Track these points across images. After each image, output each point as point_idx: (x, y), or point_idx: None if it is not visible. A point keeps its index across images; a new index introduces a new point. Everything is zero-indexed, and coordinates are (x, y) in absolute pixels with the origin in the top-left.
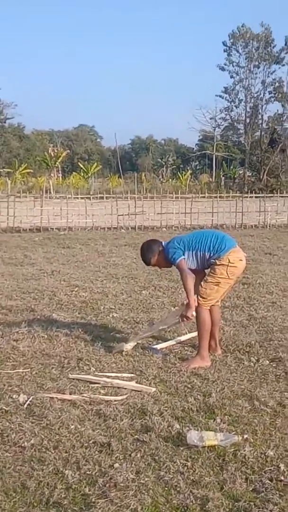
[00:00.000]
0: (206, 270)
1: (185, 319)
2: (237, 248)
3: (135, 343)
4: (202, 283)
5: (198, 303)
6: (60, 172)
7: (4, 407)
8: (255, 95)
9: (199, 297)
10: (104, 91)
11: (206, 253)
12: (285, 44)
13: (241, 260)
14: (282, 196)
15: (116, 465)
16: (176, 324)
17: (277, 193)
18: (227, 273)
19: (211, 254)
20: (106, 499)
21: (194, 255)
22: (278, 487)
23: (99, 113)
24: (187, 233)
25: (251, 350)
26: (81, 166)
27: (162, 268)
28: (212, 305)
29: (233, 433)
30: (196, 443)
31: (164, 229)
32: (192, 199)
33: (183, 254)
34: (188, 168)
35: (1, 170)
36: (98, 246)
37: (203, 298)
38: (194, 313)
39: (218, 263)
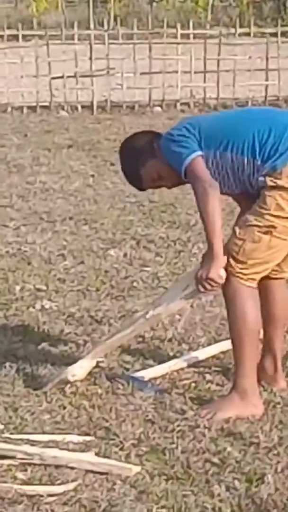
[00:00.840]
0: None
1: (205, 287)
2: None
3: (93, 363)
4: (236, 228)
5: (227, 270)
6: None
7: None
8: None
9: (230, 259)
10: None
11: (246, 160)
12: None
13: None
14: None
15: None
16: (189, 299)
17: None
18: None
19: (258, 163)
20: None
21: (221, 162)
22: None
23: None
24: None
25: None
26: None
27: (165, 187)
28: (272, 278)
29: None
30: None
31: (158, 108)
32: (221, 42)
33: (200, 151)
34: None
35: None
36: (7, 150)
37: (239, 261)
38: (223, 273)
39: (271, 183)
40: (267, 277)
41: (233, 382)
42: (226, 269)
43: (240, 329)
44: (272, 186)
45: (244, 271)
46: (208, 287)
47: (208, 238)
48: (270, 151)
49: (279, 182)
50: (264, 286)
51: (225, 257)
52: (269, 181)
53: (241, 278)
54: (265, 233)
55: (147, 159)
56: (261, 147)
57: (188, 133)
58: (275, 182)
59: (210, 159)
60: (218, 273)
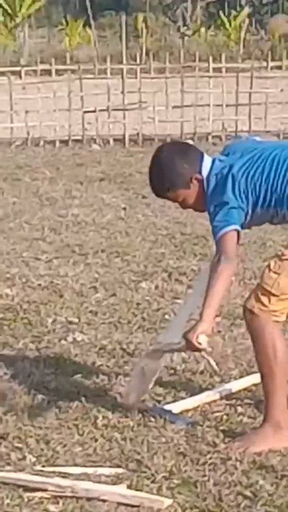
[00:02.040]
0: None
1: (187, 346)
2: None
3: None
4: (271, 262)
5: (257, 304)
6: None
7: None
8: None
9: (259, 294)
10: None
11: (285, 211)
12: None
13: None
14: None
15: None
16: (173, 351)
17: None
18: None
19: None
20: None
21: (267, 211)
22: None
23: None
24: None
25: None
26: (1, 3)
27: (185, 208)
28: None
29: None
30: None
31: (190, 141)
32: (253, 75)
33: (240, 215)
34: (244, 2)
35: None
36: (39, 183)
37: (272, 295)
38: (202, 340)
39: None
40: None
41: (264, 415)
42: (254, 305)
43: (270, 361)
44: None
45: (275, 307)
46: (188, 346)
47: (205, 303)
48: None
49: None
50: None
51: (210, 326)
52: None
53: (271, 313)
54: None
55: (179, 188)
56: None
57: (235, 199)
58: None
59: (258, 211)
60: (196, 338)
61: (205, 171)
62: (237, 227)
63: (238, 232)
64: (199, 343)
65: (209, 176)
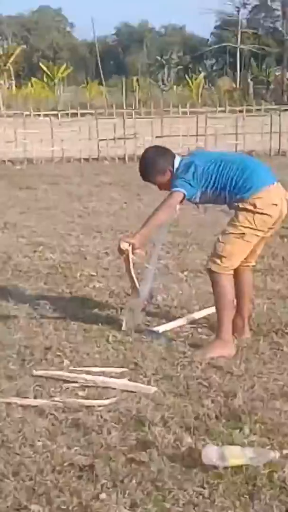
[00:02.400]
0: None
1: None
2: (273, 187)
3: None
4: (220, 236)
5: (214, 265)
6: (13, 78)
7: None
8: None
9: (214, 258)
10: None
11: (228, 194)
12: None
13: (276, 204)
14: None
15: (103, 495)
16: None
17: None
18: (254, 222)
19: (236, 196)
20: None
21: (215, 193)
22: None
23: None
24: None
25: None
26: (44, 68)
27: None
28: (241, 266)
29: (268, 447)
30: (216, 463)
31: None
32: (207, 115)
33: (192, 190)
34: (201, 69)
35: None
36: (70, 186)
37: (222, 257)
38: (123, 247)
39: (241, 206)
40: (239, 267)
41: (216, 333)
42: (212, 266)
43: (222, 300)
44: (242, 208)
45: (225, 264)
46: (120, 253)
47: (145, 223)
48: (242, 188)
49: (246, 206)
50: (237, 272)
51: (140, 242)
52: (240, 205)
53: (223, 269)
54: (238, 237)
55: (158, 176)
56: (239, 187)
57: (192, 180)
58: (243, 205)
59: (208, 192)
60: (123, 243)
61: (176, 165)
62: (185, 193)
63: (183, 197)
64: (124, 246)
65: (178, 168)
